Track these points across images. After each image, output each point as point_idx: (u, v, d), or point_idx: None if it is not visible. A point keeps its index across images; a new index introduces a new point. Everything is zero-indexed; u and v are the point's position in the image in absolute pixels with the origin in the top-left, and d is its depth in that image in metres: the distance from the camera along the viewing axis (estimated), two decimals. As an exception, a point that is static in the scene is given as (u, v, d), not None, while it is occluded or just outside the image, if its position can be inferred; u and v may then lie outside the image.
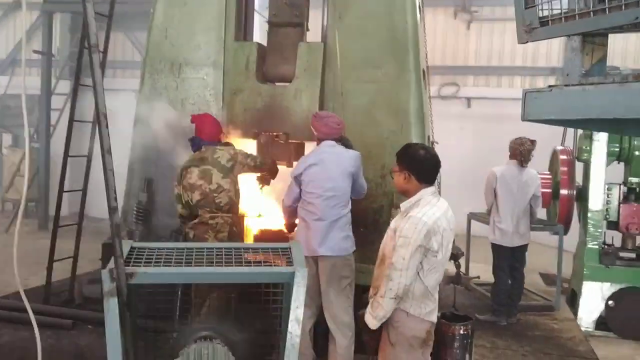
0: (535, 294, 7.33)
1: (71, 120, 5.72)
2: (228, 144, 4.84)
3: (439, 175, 6.23)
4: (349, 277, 4.43)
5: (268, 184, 5.14)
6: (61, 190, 5.84)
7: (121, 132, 5.93)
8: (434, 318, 3.34)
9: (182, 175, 4.68)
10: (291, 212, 4.59)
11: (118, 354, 2.08)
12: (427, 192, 3.25)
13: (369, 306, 3.27)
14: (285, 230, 4.75)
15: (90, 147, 5.96)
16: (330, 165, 4.38)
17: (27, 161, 2.65)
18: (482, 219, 7.28)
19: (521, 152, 6.21)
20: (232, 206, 4.63)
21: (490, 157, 11.52)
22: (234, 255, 2.37)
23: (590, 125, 2.83)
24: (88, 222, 12.27)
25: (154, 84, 5.64)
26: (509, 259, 6.33)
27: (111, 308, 2.09)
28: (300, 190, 4.43)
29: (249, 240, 4.96)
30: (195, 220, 4.59)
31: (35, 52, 11.97)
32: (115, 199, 2.06)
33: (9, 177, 12.84)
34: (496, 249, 6.35)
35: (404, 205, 3.32)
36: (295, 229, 4.63)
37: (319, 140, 4.53)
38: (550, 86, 2.06)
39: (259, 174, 5.04)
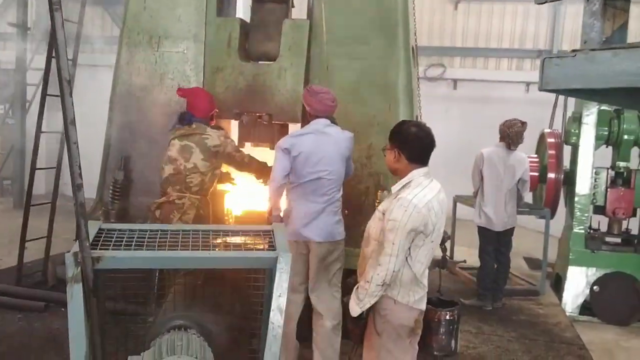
0: (520, 278, 7.27)
1: (44, 95, 5.45)
2: (220, 128, 4.64)
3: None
4: (339, 263, 4.26)
5: (264, 182, 4.83)
6: (33, 168, 5.59)
7: (99, 107, 5.73)
8: (422, 306, 3.18)
9: (168, 146, 4.51)
10: (280, 191, 4.18)
11: (82, 345, 1.90)
12: (418, 173, 3.05)
13: (354, 292, 3.10)
14: (269, 215, 4.28)
15: (64, 123, 5.69)
16: (327, 146, 4.11)
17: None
18: (467, 202, 7.18)
19: (509, 134, 6.08)
20: (201, 189, 4.42)
21: (476, 139, 11.42)
22: (212, 238, 2.19)
23: (616, 98, 2.55)
24: (65, 200, 12.10)
25: (131, 57, 5.38)
26: (494, 243, 6.22)
27: (75, 295, 1.91)
28: (291, 167, 4.11)
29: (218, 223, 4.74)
30: (162, 199, 4.39)
31: (10, 24, 11.54)
32: (80, 175, 1.86)
33: (-17, 154, 12.47)
34: (482, 232, 6.25)
35: (394, 188, 3.13)
36: (283, 211, 4.28)
37: (311, 117, 4.22)
38: (574, 50, 1.83)
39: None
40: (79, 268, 1.91)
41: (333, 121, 4.28)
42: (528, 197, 7.69)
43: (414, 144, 3.07)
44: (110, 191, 5.30)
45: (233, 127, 5.42)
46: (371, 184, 4.95)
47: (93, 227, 2.17)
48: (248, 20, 5.33)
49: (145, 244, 2.11)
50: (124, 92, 5.39)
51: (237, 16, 5.50)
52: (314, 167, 4.06)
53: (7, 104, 12.52)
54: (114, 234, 2.17)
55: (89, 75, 12.35)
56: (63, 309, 5.19)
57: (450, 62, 12.26)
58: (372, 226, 3.17)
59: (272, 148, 5.06)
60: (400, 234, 2.89)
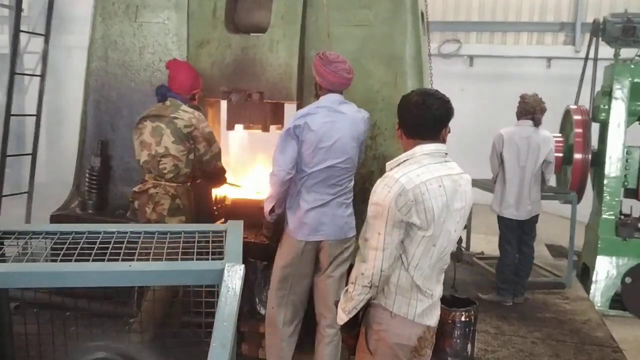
0: (543, 268, 6.65)
1: (12, 74, 4.92)
2: (198, 108, 4.05)
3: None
4: (349, 261, 3.63)
5: (213, 187, 4.27)
6: (4, 154, 5.08)
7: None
8: (429, 320, 2.53)
9: (138, 127, 3.96)
10: (284, 181, 3.44)
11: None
12: (421, 150, 2.41)
13: (342, 295, 2.51)
14: (268, 209, 3.58)
15: (38, 106, 5.17)
16: (341, 128, 3.44)
17: None
18: (484, 186, 6.57)
19: (536, 110, 5.41)
20: (177, 175, 3.87)
21: (494, 119, 10.76)
22: (142, 242, 1.64)
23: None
24: (64, 188, 11.70)
25: (107, 30, 4.83)
26: (516, 232, 5.61)
27: None
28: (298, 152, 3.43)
29: (205, 215, 4.17)
30: (138, 187, 3.90)
31: (3, 6, 11.05)
32: None
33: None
34: (503, 221, 5.61)
35: (389, 164, 2.48)
36: (285, 204, 3.60)
37: (321, 91, 3.54)
38: None
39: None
40: (-57, 290, 1.38)
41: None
42: (551, 180, 7.09)
43: (408, 114, 2.45)
44: (87, 179, 4.79)
45: (222, 107, 4.87)
46: (376, 168, 4.38)
47: (-18, 231, 1.64)
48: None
49: (46, 252, 1.57)
50: (99, 69, 4.87)
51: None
52: (325, 153, 3.41)
53: (4, 90, 12.06)
54: (9, 239, 1.64)
55: (76, 58, 11.94)
56: (35, 310, 4.71)
57: (465, 38, 11.54)
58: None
59: (264, 130, 4.51)
60: (384, 221, 2.26)
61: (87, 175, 4.79)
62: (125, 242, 1.69)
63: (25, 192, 5.41)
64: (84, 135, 4.95)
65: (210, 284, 1.58)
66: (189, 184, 3.99)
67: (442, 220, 2.37)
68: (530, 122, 5.45)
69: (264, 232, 3.81)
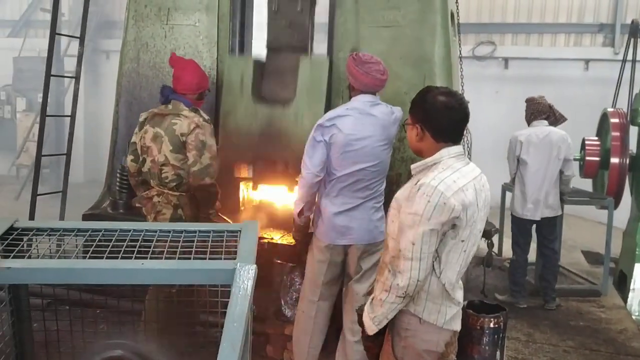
0: (578, 275, 6.47)
1: (48, 75, 5.03)
2: (197, 111, 3.71)
3: (468, 141, 5.44)
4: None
5: (212, 218, 3.78)
6: (39, 154, 5.19)
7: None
8: (456, 326, 2.48)
9: (141, 127, 3.77)
10: (313, 183, 3.39)
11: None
12: (448, 153, 2.34)
13: (368, 304, 2.48)
14: (297, 211, 3.52)
15: (73, 107, 5.28)
16: (372, 131, 3.36)
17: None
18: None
19: (549, 108, 5.36)
20: (180, 184, 3.66)
21: (529, 123, 10.67)
22: (157, 241, 1.65)
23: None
24: (102, 189, 11.94)
25: (139, 32, 4.91)
26: (528, 233, 5.51)
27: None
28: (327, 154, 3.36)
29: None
30: (144, 193, 3.77)
31: (44, 10, 11.38)
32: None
33: (22, 142, 12.41)
34: (515, 221, 5.53)
35: (415, 168, 2.42)
36: (313, 209, 3.56)
37: (354, 92, 3.47)
38: None
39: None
40: (-41, 284, 1.41)
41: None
42: (587, 185, 6.91)
43: (442, 117, 2.36)
44: (118, 180, 4.86)
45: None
46: (403, 171, 4.33)
47: (2, 226, 1.66)
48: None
49: (62, 249, 1.59)
50: (131, 71, 4.95)
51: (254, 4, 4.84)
52: (354, 156, 3.34)
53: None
54: (27, 236, 1.67)
55: (114, 61, 12.14)
56: (67, 307, 4.80)
57: (501, 40, 11.34)
58: (390, 220, 2.48)
59: (290, 190, 4.46)
60: (422, 230, 2.21)
61: (117, 175, 4.87)
62: (139, 241, 1.70)
63: (59, 192, 5.51)
64: (115, 136, 5.04)
65: (222, 283, 1.58)
66: (192, 193, 3.74)
67: (475, 221, 2.33)
68: (545, 122, 5.36)
69: (293, 234, 3.79)
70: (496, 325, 4.21)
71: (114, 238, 1.70)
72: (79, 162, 11.24)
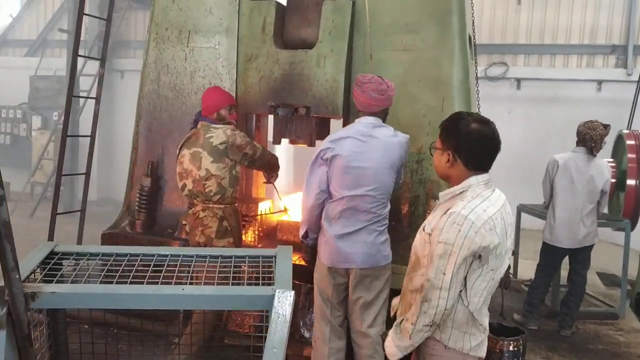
0: (595, 297, 6.43)
1: (69, 97, 5.11)
2: (229, 123, 4.08)
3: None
4: (386, 289, 3.55)
5: (272, 181, 4.48)
6: (59, 173, 5.25)
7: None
8: (481, 352, 2.46)
9: (178, 158, 4.09)
10: (314, 206, 3.45)
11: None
12: (477, 181, 2.35)
13: (393, 329, 2.48)
14: (301, 233, 3.64)
15: (93, 127, 5.36)
16: (372, 154, 3.35)
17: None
18: (532, 211, 6.43)
19: (592, 137, 5.18)
20: (223, 196, 3.92)
21: (542, 143, 10.65)
22: (194, 265, 1.67)
23: None
24: (116, 207, 12.02)
25: (160, 54, 4.99)
26: (559, 262, 5.46)
27: (-4, 346, 1.42)
28: (327, 177, 3.40)
29: (249, 237, 4.25)
30: (190, 211, 3.98)
31: (61, 30, 11.55)
32: (1, 183, 1.38)
33: (37, 160, 12.53)
34: (546, 248, 5.45)
35: (444, 196, 2.43)
36: (318, 231, 3.58)
37: (360, 113, 3.53)
38: None
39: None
40: (5, 308, 1.43)
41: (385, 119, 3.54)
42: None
43: (477, 147, 2.35)
44: (137, 199, 4.91)
45: (268, 122, 4.95)
46: (422, 193, 4.35)
47: (43, 250, 1.70)
48: (284, 2, 4.80)
49: (103, 274, 1.62)
50: (151, 92, 5.02)
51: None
52: (355, 180, 3.34)
53: (61, 110, 12.54)
54: (68, 260, 1.70)
55: (138, 81, 12.32)
56: (86, 326, 4.82)
57: (513, 60, 11.38)
58: (419, 247, 2.48)
59: (310, 145, 4.54)
60: (454, 260, 2.21)
61: (137, 195, 4.92)
62: (178, 266, 1.73)
63: (78, 211, 5.56)
64: (135, 156, 5.10)
65: (260, 309, 1.60)
66: (236, 204, 4.06)
67: (503, 250, 2.34)
68: (583, 150, 5.26)
69: (303, 256, 3.82)
70: (515, 349, 4.21)
71: (152, 263, 1.73)
72: (92, 181, 11.35)
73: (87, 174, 5.46)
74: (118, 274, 1.64)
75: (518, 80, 11.27)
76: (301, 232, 3.61)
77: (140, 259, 1.75)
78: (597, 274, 7.67)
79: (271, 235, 4.82)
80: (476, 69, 5.17)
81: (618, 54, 10.92)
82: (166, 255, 1.79)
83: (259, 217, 4.68)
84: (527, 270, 7.16)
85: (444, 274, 2.23)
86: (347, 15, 4.43)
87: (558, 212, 5.28)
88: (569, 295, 5.43)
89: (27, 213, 10.99)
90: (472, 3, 4.86)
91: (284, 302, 1.50)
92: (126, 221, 5.02)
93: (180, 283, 1.61)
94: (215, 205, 3.91)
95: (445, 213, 2.31)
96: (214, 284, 1.64)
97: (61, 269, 1.65)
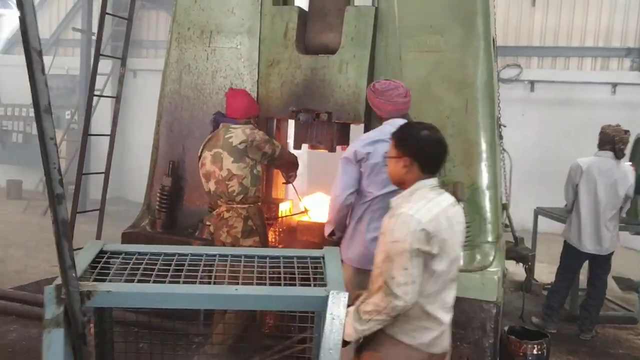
0: (612, 302, 6.39)
1: (91, 96, 5.12)
2: (248, 122, 4.08)
3: (507, 168, 5.42)
4: None
5: (290, 181, 4.49)
6: (80, 172, 5.27)
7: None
8: (435, 348, 2.51)
9: (200, 161, 4.09)
10: (343, 206, 3.46)
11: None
12: (425, 184, 2.54)
13: (353, 310, 2.42)
14: (327, 232, 3.66)
15: (113, 126, 5.37)
16: None
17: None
18: (547, 213, 6.40)
19: (622, 139, 5.13)
20: (246, 195, 3.92)
21: (556, 145, 10.61)
22: (243, 265, 1.67)
23: None
24: (128, 206, 12.05)
25: (182, 54, 4.99)
26: (580, 266, 5.43)
27: (54, 344, 1.42)
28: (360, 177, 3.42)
29: (270, 237, 4.25)
30: (214, 212, 3.96)
31: (75, 29, 11.60)
32: (61, 182, 1.38)
33: (49, 159, 12.58)
34: (569, 250, 5.41)
35: (394, 201, 2.58)
36: (344, 230, 3.61)
37: (383, 119, 3.56)
38: None
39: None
40: (62, 307, 1.43)
41: (409, 119, 3.56)
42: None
43: (432, 151, 2.55)
44: (158, 199, 4.91)
45: (289, 127, 4.95)
46: (444, 195, 4.31)
47: (93, 249, 1.70)
48: (306, 9, 4.81)
49: (154, 273, 1.61)
50: (173, 92, 5.02)
51: (294, 4, 4.98)
52: (387, 181, 3.22)
53: (73, 109, 12.60)
54: (118, 259, 1.69)
55: (151, 80, 12.40)
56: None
57: (527, 63, 11.35)
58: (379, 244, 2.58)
59: (330, 150, 4.53)
60: (409, 256, 2.34)
61: (158, 194, 4.92)
62: (227, 266, 1.73)
63: (97, 210, 5.58)
64: (155, 156, 5.10)
65: (313, 310, 1.59)
66: (259, 204, 4.06)
67: (450, 248, 2.48)
68: (610, 154, 5.20)
69: None
70: (539, 352, 4.19)
71: (201, 262, 1.73)
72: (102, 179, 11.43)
73: (107, 173, 5.47)
74: (169, 274, 1.64)
75: (532, 83, 11.24)
76: (327, 231, 3.62)
77: (189, 258, 1.75)
78: (613, 278, 7.61)
79: (291, 235, 4.81)
80: (498, 71, 5.15)
81: (633, 56, 10.87)
82: (214, 255, 1.78)
83: (279, 218, 4.67)
84: (542, 273, 7.13)
85: (406, 269, 2.33)
86: (369, 21, 4.43)
87: (584, 217, 5.22)
88: (589, 299, 5.40)
89: (40, 211, 11.04)
90: (494, 5, 4.84)
91: (338, 304, 1.49)
92: (146, 220, 5.02)
93: (231, 283, 1.61)
94: (239, 205, 3.91)
95: (395, 215, 2.44)
96: (265, 285, 1.64)
97: (110, 267, 1.65)
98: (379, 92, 3.51)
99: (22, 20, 1.26)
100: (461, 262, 2.68)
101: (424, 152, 2.54)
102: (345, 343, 2.46)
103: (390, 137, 2.69)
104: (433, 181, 2.57)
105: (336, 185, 3.47)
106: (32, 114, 12.85)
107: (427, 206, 2.44)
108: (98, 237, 5.66)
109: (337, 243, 3.63)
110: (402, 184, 2.62)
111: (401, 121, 3.38)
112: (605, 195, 5.17)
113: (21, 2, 1.23)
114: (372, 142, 3.45)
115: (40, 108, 1.29)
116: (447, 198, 2.60)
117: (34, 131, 13.16)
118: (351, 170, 3.42)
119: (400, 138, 2.62)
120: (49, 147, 1.32)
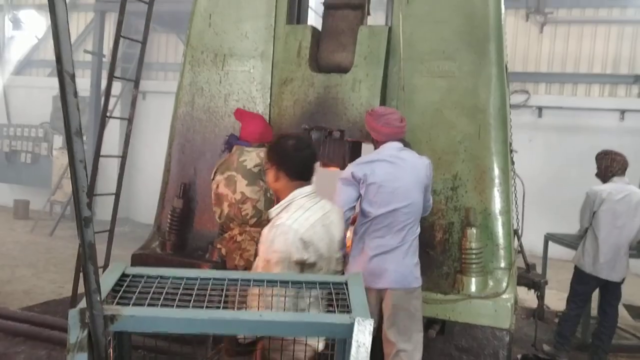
0: (624, 330, 6.31)
1: (103, 117, 5.16)
2: (261, 146, 4.09)
3: (516, 191, 5.40)
4: (419, 314, 3.57)
5: None
6: (91, 194, 5.25)
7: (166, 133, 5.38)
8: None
9: (213, 182, 4.08)
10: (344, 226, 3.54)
11: None
12: (300, 194, 2.71)
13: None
14: None
15: (124, 147, 5.39)
16: (403, 174, 3.49)
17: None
18: (556, 239, 6.36)
19: (627, 164, 5.19)
20: (260, 219, 3.90)
21: (563, 172, 10.60)
22: (266, 290, 1.66)
23: None
24: (134, 227, 12.04)
25: (195, 77, 5.03)
26: (591, 291, 5.37)
27: (77, 369, 1.40)
28: (360, 196, 3.51)
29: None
30: (226, 235, 3.95)
31: (86, 52, 11.74)
32: (90, 205, 1.38)
33: (57, 179, 12.62)
34: (580, 275, 5.34)
35: (274, 211, 2.74)
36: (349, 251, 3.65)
37: (379, 143, 3.67)
38: None
39: None
40: (86, 330, 1.42)
41: (406, 145, 3.70)
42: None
43: (293, 159, 2.76)
44: (169, 220, 4.91)
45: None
46: (456, 220, 4.31)
47: (115, 272, 1.69)
48: (319, 28, 4.85)
49: (177, 298, 1.60)
50: (185, 114, 5.04)
51: (308, 24, 5.02)
52: (388, 199, 3.45)
53: (83, 131, 12.66)
54: (140, 282, 1.68)
55: (160, 102, 12.50)
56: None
57: (534, 89, 11.40)
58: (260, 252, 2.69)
59: (342, 168, 4.53)
60: (287, 266, 2.46)
61: (168, 215, 4.92)
62: (241, 288, 1.71)
63: (106, 231, 5.58)
64: (167, 178, 5.10)
65: (339, 337, 1.57)
66: None
67: (327, 255, 2.65)
68: (626, 180, 5.21)
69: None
70: (553, 382, 4.12)
71: (224, 287, 1.71)
72: (109, 200, 11.43)
73: (117, 195, 5.48)
74: (192, 298, 1.62)
75: (539, 109, 11.27)
76: None
77: (212, 282, 1.73)
78: (624, 306, 7.52)
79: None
80: (509, 96, 5.16)
81: (640, 84, 10.92)
82: (236, 279, 1.77)
83: None
84: (553, 300, 7.07)
85: None
86: (382, 40, 4.46)
87: (602, 243, 5.16)
88: (601, 327, 5.33)
89: (47, 232, 11.06)
90: (505, 32, 4.87)
91: (364, 331, 1.47)
92: (157, 242, 5.01)
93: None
94: (253, 229, 3.88)
95: (274, 225, 2.57)
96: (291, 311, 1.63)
97: (133, 291, 1.64)
98: (377, 115, 3.64)
99: (57, 44, 1.28)
100: (338, 267, 2.86)
101: (287, 159, 2.73)
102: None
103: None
104: (308, 189, 2.74)
105: (335, 202, 3.48)
106: (40, 134, 13.00)
107: (305, 215, 2.61)
108: (107, 258, 5.65)
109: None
110: (278, 194, 2.81)
111: (397, 144, 3.61)
112: (626, 221, 5.13)
113: (56, 27, 1.24)
114: (369, 162, 3.57)
115: (72, 131, 1.30)
116: (325, 205, 2.79)
117: (43, 151, 13.25)
118: (348, 189, 3.51)
119: (269, 149, 2.86)
120: (78, 170, 1.32)
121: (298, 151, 2.75)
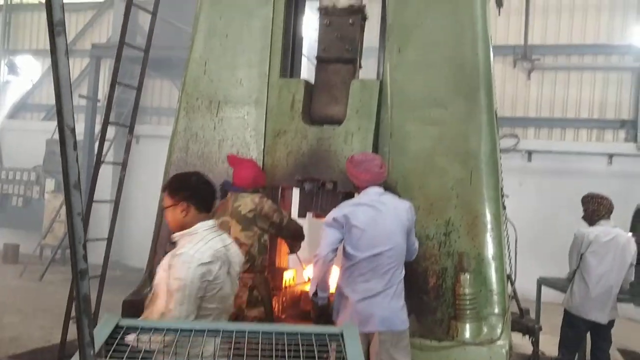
0: (620, 376, 6.25)
1: (98, 162, 5.18)
2: (256, 191, 4.17)
3: (508, 236, 5.42)
4: (408, 356, 3.58)
5: (295, 251, 4.55)
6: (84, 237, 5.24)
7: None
8: None
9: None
10: (325, 262, 3.60)
11: None
12: (204, 226, 2.87)
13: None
14: (311, 292, 3.76)
15: (117, 192, 5.40)
16: (385, 218, 3.59)
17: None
18: (548, 283, 6.36)
19: (613, 207, 5.27)
20: (253, 264, 3.92)
21: (554, 214, 10.65)
22: (260, 342, 1.65)
23: None
24: (125, 271, 11.90)
25: (189, 123, 5.07)
26: (583, 335, 5.34)
27: None
28: (341, 239, 3.60)
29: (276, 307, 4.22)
30: None
31: (81, 96, 11.85)
32: (85, 257, 1.38)
33: (49, 223, 12.54)
34: (570, 318, 5.34)
35: (175, 237, 2.90)
36: (334, 295, 3.76)
37: (359, 189, 3.82)
38: None
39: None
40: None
41: (387, 189, 3.85)
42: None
43: (204, 190, 2.95)
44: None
45: (294, 196, 4.98)
46: (449, 265, 4.31)
47: (109, 324, 1.68)
48: (312, 81, 4.95)
49: (173, 349, 1.59)
50: (179, 160, 5.06)
51: (300, 77, 5.12)
52: (371, 243, 3.54)
53: (74, 174, 12.66)
54: (133, 335, 1.67)
55: (153, 146, 12.55)
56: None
57: (523, 133, 11.58)
58: (160, 282, 2.80)
59: None
60: (189, 294, 2.61)
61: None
62: (246, 342, 1.70)
63: (97, 276, 5.52)
64: (159, 223, 5.08)
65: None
66: (265, 273, 4.03)
67: (224, 285, 2.79)
68: (612, 223, 5.29)
69: (311, 314, 3.86)
70: None
71: (218, 336, 1.70)
72: (101, 244, 11.35)
73: (109, 240, 5.45)
74: (187, 351, 1.61)
75: (529, 153, 11.42)
76: (311, 291, 3.73)
77: (206, 333, 1.73)
78: (619, 351, 7.48)
79: (295, 304, 4.75)
80: (499, 141, 5.25)
81: (627, 128, 11.11)
82: (231, 331, 1.76)
83: (284, 288, 4.63)
84: (547, 345, 6.99)
85: (181, 304, 2.57)
86: (374, 94, 4.54)
87: (592, 285, 5.19)
88: (594, 374, 5.29)
89: (36, 276, 10.90)
90: (494, 80, 4.98)
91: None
92: (148, 288, 4.95)
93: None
94: (245, 274, 3.87)
95: (176, 254, 2.71)
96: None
97: (126, 345, 1.63)
98: (357, 162, 3.79)
99: (58, 99, 1.31)
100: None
101: (196, 194, 2.89)
102: None
103: (165, 188, 3.00)
104: (210, 223, 2.91)
105: (320, 246, 3.64)
106: (33, 177, 12.97)
107: (207, 245, 2.76)
108: (97, 304, 5.58)
109: (322, 308, 3.75)
110: (183, 228, 2.89)
111: (378, 189, 3.73)
112: (614, 262, 5.17)
113: (58, 82, 1.27)
114: (351, 205, 3.69)
115: (70, 183, 1.32)
116: (224, 239, 2.95)
117: (35, 194, 13.21)
118: (332, 232, 3.61)
119: (174, 188, 2.95)
120: (75, 223, 1.33)
121: (205, 185, 2.96)
